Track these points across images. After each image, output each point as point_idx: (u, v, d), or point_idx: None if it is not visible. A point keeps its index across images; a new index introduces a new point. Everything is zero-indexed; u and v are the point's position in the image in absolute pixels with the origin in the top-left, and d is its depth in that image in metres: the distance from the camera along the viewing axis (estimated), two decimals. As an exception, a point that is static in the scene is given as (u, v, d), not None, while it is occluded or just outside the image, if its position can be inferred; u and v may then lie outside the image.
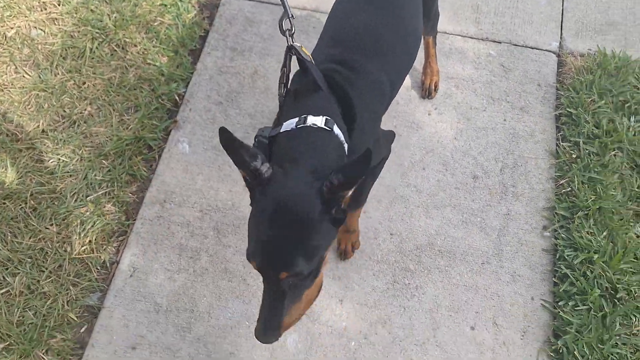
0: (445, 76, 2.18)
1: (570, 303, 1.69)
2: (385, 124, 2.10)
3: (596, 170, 1.91)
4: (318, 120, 1.23)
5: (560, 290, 1.72)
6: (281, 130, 1.25)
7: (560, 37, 2.28)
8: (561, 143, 2.02)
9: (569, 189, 1.91)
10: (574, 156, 1.96)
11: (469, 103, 2.13)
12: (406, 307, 1.75)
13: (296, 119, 1.24)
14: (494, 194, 1.94)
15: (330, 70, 1.34)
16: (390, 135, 1.69)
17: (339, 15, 1.53)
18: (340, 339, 1.71)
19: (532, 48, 2.24)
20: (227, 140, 1.11)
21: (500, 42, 2.26)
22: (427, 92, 2.14)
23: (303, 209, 1.11)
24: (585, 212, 1.84)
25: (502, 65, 2.21)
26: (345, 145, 1.26)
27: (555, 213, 1.88)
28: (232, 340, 1.73)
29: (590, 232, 1.79)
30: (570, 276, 1.73)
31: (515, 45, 2.25)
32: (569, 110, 2.06)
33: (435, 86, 2.14)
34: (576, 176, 1.90)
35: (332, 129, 1.23)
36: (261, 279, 1.20)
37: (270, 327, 1.18)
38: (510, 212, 1.90)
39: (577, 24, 2.33)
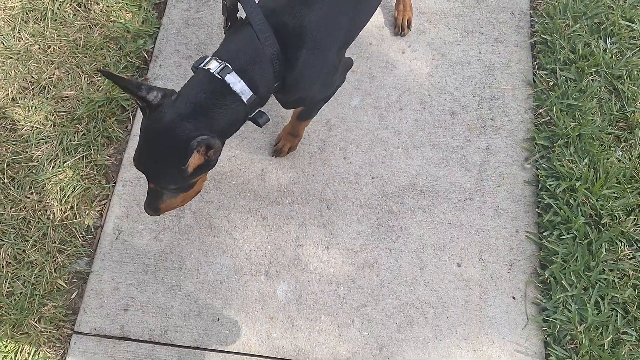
0: (417, 11, 1.78)
1: (555, 233, 1.41)
2: (360, 65, 1.73)
3: (574, 96, 1.56)
4: (212, 66, 1.08)
5: (545, 221, 1.44)
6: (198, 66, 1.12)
7: (532, -38, 1.89)
8: (538, 72, 1.65)
9: (548, 118, 1.57)
10: (551, 84, 1.61)
11: (442, 38, 1.75)
12: (392, 249, 1.47)
13: (207, 58, 1.10)
14: (472, 129, 1.60)
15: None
16: (348, 64, 1.36)
17: None
18: (329, 285, 1.44)
19: (504, -24, 1.86)
20: (111, 77, 1.08)
21: (471, -28, 1.87)
22: (399, 29, 1.75)
23: (172, 143, 1.05)
24: (565, 140, 1.51)
25: (474, -4, 1.83)
26: (243, 96, 1.07)
27: (536, 143, 1.56)
28: (222, 294, 1.46)
29: (571, 160, 1.48)
30: (554, 206, 1.44)
31: (487, -26, 1.86)
32: (544, 37, 1.69)
33: (409, 22, 1.75)
34: (554, 104, 1.56)
35: (223, 78, 1.06)
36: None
37: (150, 208, 1.21)
38: (490, 147, 1.58)
39: (549, -53, 1.92)
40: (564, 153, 1.49)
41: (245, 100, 1.06)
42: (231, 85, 1.05)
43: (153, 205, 1.18)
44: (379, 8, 1.80)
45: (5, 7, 1.84)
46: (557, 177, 1.48)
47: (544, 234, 1.45)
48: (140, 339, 1.41)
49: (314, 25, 1.09)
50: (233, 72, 1.04)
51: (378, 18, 1.78)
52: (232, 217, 1.54)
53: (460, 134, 1.60)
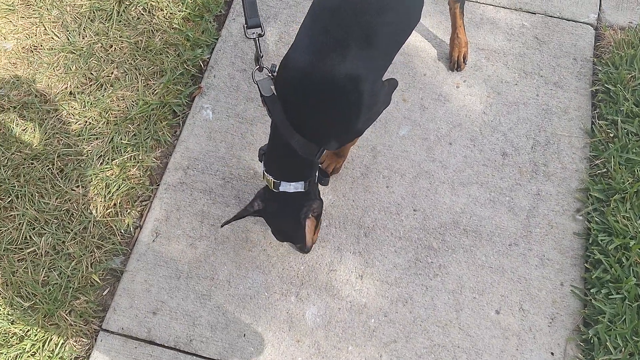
0: (475, 47, 1.78)
1: (603, 291, 1.35)
2: (412, 95, 1.72)
3: (635, 151, 1.51)
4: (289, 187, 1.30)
5: (593, 277, 1.38)
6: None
7: (599, 9, 1.82)
8: (597, 121, 1.61)
9: (605, 170, 1.53)
10: (610, 135, 1.56)
11: (499, 76, 1.73)
12: (428, 287, 1.43)
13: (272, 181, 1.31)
14: (524, 172, 1.57)
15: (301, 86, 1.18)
16: (392, 85, 1.40)
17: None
18: (359, 315, 1.42)
19: (568, 20, 1.81)
20: (232, 220, 1.37)
21: (534, 13, 1.83)
22: (455, 64, 1.75)
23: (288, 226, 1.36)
24: (622, 196, 1.46)
25: (536, 37, 1.79)
26: (298, 189, 1.30)
27: (589, 195, 1.51)
28: (251, 310, 1.46)
29: (627, 217, 1.42)
30: (604, 262, 1.38)
31: (551, 16, 1.82)
32: (607, 86, 1.65)
33: (464, 58, 1.74)
34: (613, 157, 1.52)
35: (278, 189, 1.30)
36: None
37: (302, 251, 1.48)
38: (540, 192, 1.54)
39: (618, -5, 1.89)
40: (619, 208, 1.44)
41: (303, 189, 1.29)
42: (286, 190, 1.29)
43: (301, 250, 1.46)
44: (436, 39, 1.81)
45: (74, 5, 1.94)
46: (610, 233, 1.43)
47: (590, 290, 1.39)
48: (166, 344, 1.41)
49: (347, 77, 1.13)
50: (282, 183, 1.28)
51: (435, 50, 1.78)
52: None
53: (511, 176, 1.57)
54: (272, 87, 1.20)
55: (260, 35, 1.22)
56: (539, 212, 1.52)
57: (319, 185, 1.41)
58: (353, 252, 1.50)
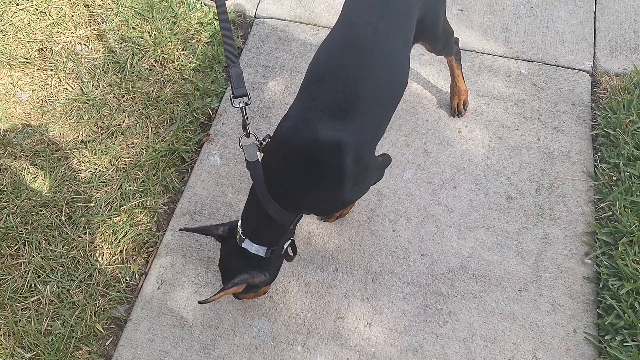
0: (475, 94, 1.85)
1: (617, 338, 1.33)
2: (415, 140, 1.77)
3: (639, 194, 1.54)
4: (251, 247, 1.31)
5: (606, 323, 1.36)
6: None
7: (594, 57, 1.90)
8: (599, 164, 1.64)
9: (610, 213, 1.54)
10: (614, 178, 1.59)
11: (500, 121, 1.78)
12: (439, 335, 1.41)
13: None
14: (529, 216, 1.58)
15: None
16: (385, 162, 1.44)
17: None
18: (368, 364, 1.41)
19: (565, 67, 1.88)
20: (190, 230, 1.37)
21: (531, 61, 1.91)
22: (455, 111, 1.82)
23: (228, 273, 1.35)
24: (630, 239, 1.46)
25: (534, 84, 1.86)
26: (259, 253, 1.30)
27: (597, 238, 1.51)
28: (256, 360, 1.44)
29: (636, 260, 1.41)
30: (617, 308, 1.36)
31: (547, 64, 1.89)
32: (607, 130, 1.69)
33: (464, 105, 1.80)
34: (617, 200, 1.53)
35: (241, 245, 1.31)
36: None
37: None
38: (547, 236, 1.55)
39: (611, 44, 1.94)
40: (627, 252, 1.44)
41: (263, 254, 1.30)
42: (247, 249, 1.30)
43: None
44: (437, 87, 1.88)
45: (89, 58, 2.04)
46: (621, 277, 1.42)
47: (605, 337, 1.36)
48: (169, 397, 1.38)
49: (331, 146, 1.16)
50: (247, 240, 1.29)
51: (436, 97, 1.84)
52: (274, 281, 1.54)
53: (516, 220, 1.58)
54: (258, 152, 1.25)
55: (247, 104, 1.28)
56: (547, 256, 1.52)
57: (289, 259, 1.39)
58: (361, 298, 1.49)
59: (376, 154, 1.34)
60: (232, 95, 1.28)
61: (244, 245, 1.28)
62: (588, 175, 1.65)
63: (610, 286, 1.41)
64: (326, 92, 1.14)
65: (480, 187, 1.65)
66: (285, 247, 1.32)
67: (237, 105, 1.28)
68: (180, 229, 1.42)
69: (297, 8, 2.11)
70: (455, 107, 1.82)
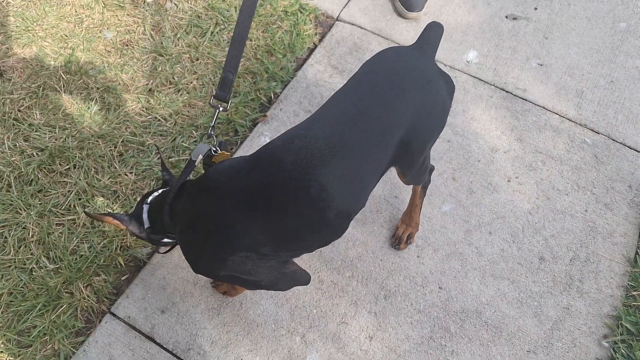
0: (533, 149, 1.86)
1: None
2: (462, 176, 1.80)
3: (675, 292, 1.53)
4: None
5: (608, 410, 1.36)
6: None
7: (664, 146, 1.92)
8: (642, 252, 1.66)
9: (641, 303, 1.55)
10: (653, 270, 1.59)
11: (552, 182, 1.79)
12: (435, 368, 1.45)
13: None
14: (557, 282, 1.58)
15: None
16: (298, 278, 1.30)
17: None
18: (358, 376, 1.43)
19: (631, 148, 1.88)
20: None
21: (598, 133, 1.92)
22: (397, 240, 1.64)
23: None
24: (654, 334, 1.47)
25: (595, 155, 1.86)
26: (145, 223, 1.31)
27: (620, 324, 1.50)
28: (254, 337, 1.48)
29: (655, 357, 1.41)
30: (623, 398, 1.36)
31: (614, 140, 1.90)
32: (658, 221, 1.70)
33: (409, 238, 1.64)
34: (651, 292, 1.54)
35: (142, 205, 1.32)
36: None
37: None
38: (570, 307, 1.54)
39: (685, 138, 1.95)
40: (648, 346, 1.41)
41: (145, 218, 1.29)
42: (148, 201, 1.31)
43: None
44: (497, 132, 1.90)
45: (176, 16, 2.17)
46: (634, 369, 1.39)
47: (603, 423, 1.34)
48: (164, 346, 1.45)
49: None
50: (152, 198, 1.30)
51: (494, 141, 1.87)
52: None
53: (543, 282, 1.58)
54: (201, 156, 1.26)
55: (224, 110, 1.32)
56: (565, 326, 1.51)
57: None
58: (369, 310, 1.52)
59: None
60: (213, 95, 1.31)
61: (143, 206, 1.30)
62: (627, 260, 1.64)
63: (622, 375, 1.39)
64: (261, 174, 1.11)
65: (515, 240, 1.66)
66: (163, 239, 1.32)
67: (214, 105, 1.33)
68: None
69: (380, 21, 2.19)
70: (400, 235, 1.65)
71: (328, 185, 1.08)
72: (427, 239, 1.66)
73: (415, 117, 1.17)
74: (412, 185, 1.55)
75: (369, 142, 1.12)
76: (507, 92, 2.01)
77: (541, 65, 2.09)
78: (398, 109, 1.14)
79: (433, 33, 1.31)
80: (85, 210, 1.32)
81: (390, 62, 1.22)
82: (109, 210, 1.67)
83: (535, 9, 2.27)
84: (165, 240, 1.32)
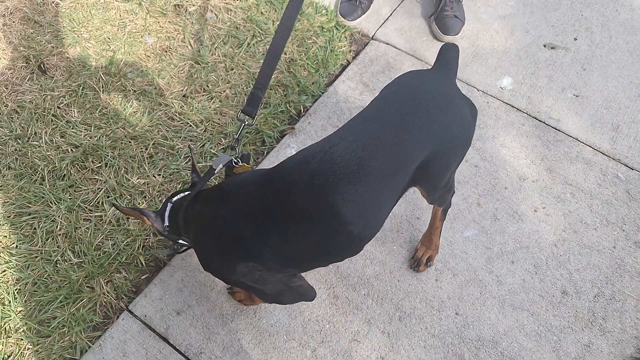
0: (563, 180, 1.85)
1: None
2: (487, 202, 1.81)
3: None
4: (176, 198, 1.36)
5: None
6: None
7: (702, 187, 1.87)
8: (672, 295, 1.61)
9: (668, 348, 1.50)
10: (683, 315, 1.55)
11: (580, 216, 1.78)
12: (446, 396, 1.44)
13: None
14: (579, 318, 1.56)
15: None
16: (302, 292, 1.31)
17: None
18: (367, 396, 1.44)
19: (666, 187, 1.86)
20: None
21: (632, 169, 1.89)
22: (416, 262, 1.65)
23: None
24: (681, 382, 1.42)
25: (627, 191, 1.83)
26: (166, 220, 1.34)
27: (644, 368, 1.48)
28: (265, 347, 1.51)
29: (681, 407, 1.37)
30: None
31: (649, 177, 1.88)
32: (691, 264, 1.65)
33: (428, 260, 1.65)
34: (680, 338, 1.49)
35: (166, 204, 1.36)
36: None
37: None
38: (591, 345, 1.52)
39: None
40: (674, 394, 1.37)
41: (166, 218, 1.33)
42: (172, 201, 1.34)
43: None
44: (526, 161, 1.90)
45: (215, 26, 2.27)
46: (657, 417, 1.35)
47: None
48: (177, 347, 1.50)
49: None
50: (176, 199, 1.34)
51: (523, 170, 1.87)
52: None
53: (565, 317, 1.56)
54: (222, 166, 1.31)
55: (248, 124, 1.37)
56: (585, 365, 1.48)
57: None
58: (382, 330, 1.53)
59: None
60: (241, 109, 1.38)
61: (167, 203, 1.33)
62: (656, 302, 1.60)
63: (643, 422, 1.35)
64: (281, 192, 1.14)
65: (538, 271, 1.65)
66: (179, 239, 1.35)
67: (240, 119, 1.39)
68: (111, 204, 1.55)
69: (415, 42, 2.23)
70: (419, 257, 1.65)
71: (341, 209, 1.09)
72: (447, 263, 1.67)
73: (437, 140, 1.17)
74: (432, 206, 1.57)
75: (388, 166, 1.13)
76: (539, 120, 2.01)
77: (577, 96, 2.08)
78: (419, 132, 1.15)
79: (450, 54, 1.33)
80: (114, 202, 1.38)
81: (411, 84, 1.25)
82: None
83: (575, 39, 2.27)
84: (181, 241, 1.37)
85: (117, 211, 1.71)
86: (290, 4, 1.34)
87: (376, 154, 1.11)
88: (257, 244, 1.14)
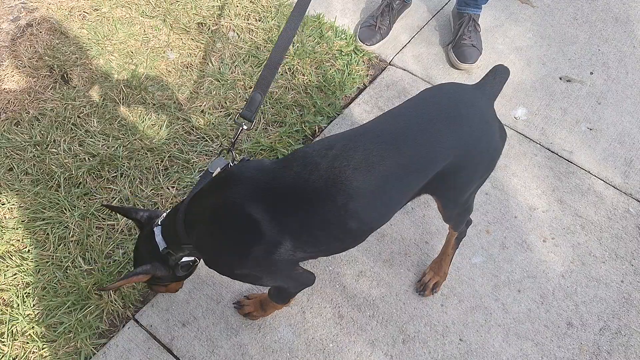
0: (573, 212, 1.94)
1: None
2: (496, 230, 1.90)
3: None
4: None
5: None
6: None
7: None
8: (680, 333, 1.67)
9: (674, 386, 1.55)
10: (691, 354, 1.60)
11: (589, 248, 1.85)
12: (447, 421, 1.50)
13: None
14: (584, 351, 1.63)
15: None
16: (303, 279, 1.40)
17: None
18: (367, 417, 1.50)
19: (679, 224, 1.94)
20: (111, 208, 1.47)
21: (644, 205, 1.99)
22: (422, 286, 1.73)
23: (139, 257, 1.43)
24: (685, 421, 1.47)
25: (638, 226, 1.91)
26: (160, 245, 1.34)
27: (649, 405, 1.53)
28: (267, 363, 1.60)
29: None
30: None
31: (661, 214, 1.96)
32: (701, 303, 1.71)
33: (435, 286, 1.73)
34: (687, 376, 1.55)
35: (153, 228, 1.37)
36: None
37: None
38: (596, 379, 1.59)
39: None
40: None
41: (160, 249, 1.33)
42: (155, 234, 1.35)
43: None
44: (537, 191, 1.99)
45: (236, 45, 2.43)
46: None
47: None
48: (180, 359, 1.57)
49: None
50: (158, 228, 1.35)
51: (534, 200, 1.96)
52: (313, 298, 1.71)
53: (569, 349, 1.63)
54: (219, 169, 1.34)
55: (247, 128, 1.40)
56: (588, 398, 1.53)
57: None
58: (385, 353, 1.60)
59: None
60: (239, 113, 1.41)
61: (154, 229, 1.34)
62: (663, 339, 1.66)
63: None
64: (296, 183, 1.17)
65: (544, 302, 1.72)
66: (182, 259, 1.36)
67: (237, 122, 1.40)
68: (102, 204, 1.66)
69: (432, 69, 2.37)
70: (426, 282, 1.73)
71: (356, 197, 1.16)
72: (454, 288, 1.75)
73: (462, 153, 1.23)
74: (444, 234, 1.66)
75: (407, 166, 1.19)
76: (552, 152, 2.11)
77: (591, 129, 2.18)
78: (445, 140, 1.21)
79: (498, 76, 1.38)
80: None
81: (449, 94, 1.31)
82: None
83: (591, 73, 2.39)
84: (185, 259, 1.36)
85: (130, 220, 1.81)
86: (298, 3, 1.39)
87: (399, 151, 1.17)
88: (270, 227, 1.17)
